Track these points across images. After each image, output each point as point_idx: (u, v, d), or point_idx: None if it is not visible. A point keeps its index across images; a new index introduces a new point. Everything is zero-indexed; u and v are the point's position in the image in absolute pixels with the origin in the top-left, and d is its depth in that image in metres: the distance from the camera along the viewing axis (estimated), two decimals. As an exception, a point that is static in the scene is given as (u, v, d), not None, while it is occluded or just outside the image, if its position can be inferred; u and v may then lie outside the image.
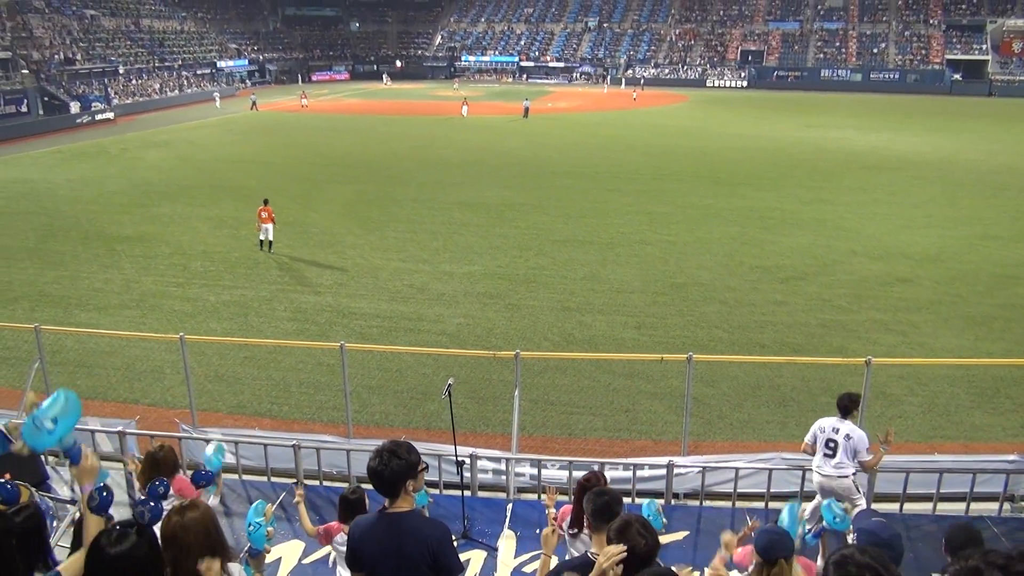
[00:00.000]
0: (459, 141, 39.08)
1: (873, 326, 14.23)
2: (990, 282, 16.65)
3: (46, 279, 17.09)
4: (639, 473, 7.90)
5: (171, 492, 5.18)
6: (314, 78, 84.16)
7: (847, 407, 6.74)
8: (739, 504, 7.73)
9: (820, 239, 20.02)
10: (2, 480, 4.78)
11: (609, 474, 6.72)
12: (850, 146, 36.42)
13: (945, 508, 7.57)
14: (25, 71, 49.09)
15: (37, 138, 41.35)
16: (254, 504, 4.85)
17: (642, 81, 74.31)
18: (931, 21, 75.89)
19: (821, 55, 76.08)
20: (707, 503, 7.90)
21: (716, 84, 75.75)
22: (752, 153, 34.61)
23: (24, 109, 46.05)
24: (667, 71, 79.39)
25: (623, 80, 76.25)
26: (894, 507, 7.52)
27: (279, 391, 11.96)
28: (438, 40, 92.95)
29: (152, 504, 3.51)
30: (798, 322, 14.43)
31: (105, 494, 3.36)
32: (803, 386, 11.43)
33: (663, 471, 7.70)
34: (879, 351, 12.20)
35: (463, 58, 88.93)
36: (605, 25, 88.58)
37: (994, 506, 7.62)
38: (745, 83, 74.88)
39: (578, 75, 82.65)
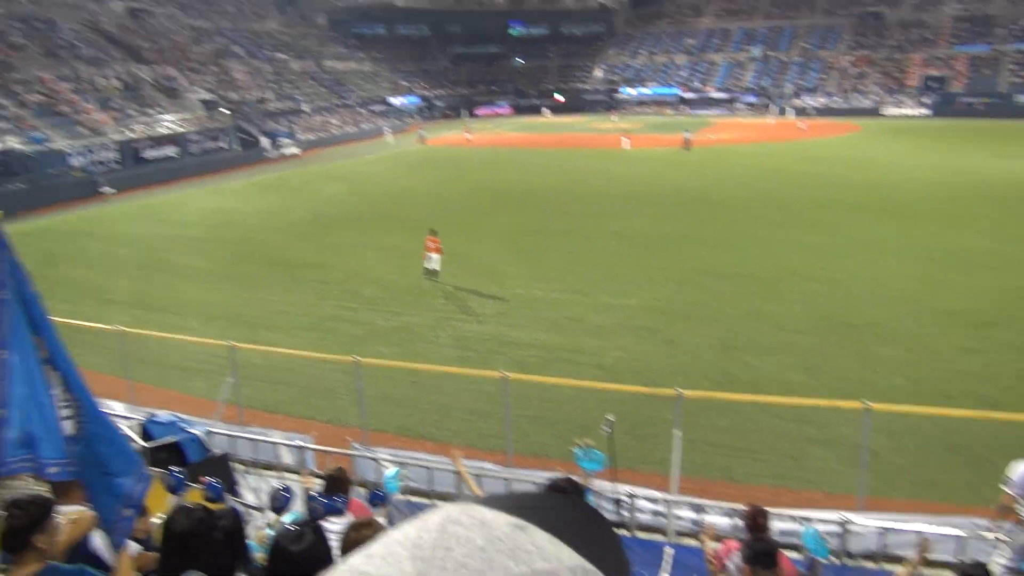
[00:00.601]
0: (618, 173, 39.16)
1: (1082, 380, 12.74)
2: None
3: (239, 300, 18.80)
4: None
5: (347, 510, 5.56)
6: (478, 112, 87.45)
7: None
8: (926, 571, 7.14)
9: (1018, 280, 18.21)
10: (209, 480, 5.28)
11: (777, 525, 6.45)
12: (1052, 178, 32.98)
13: None
14: (225, 110, 54.54)
15: (234, 171, 45.77)
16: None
17: (811, 111, 71.28)
18: None
19: (1016, 79, 69.63)
20: (885, 565, 7.36)
21: (893, 113, 71.16)
22: (934, 186, 32.14)
23: (223, 145, 51.09)
24: (838, 100, 75.62)
25: (790, 110, 73.47)
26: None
27: (441, 415, 12.41)
28: (598, 73, 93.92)
29: (324, 501, 3.77)
30: (992, 373, 13.17)
31: (287, 495, 3.69)
32: (999, 444, 10.39)
33: (835, 527, 7.27)
34: (1090, 409, 10.89)
35: (622, 90, 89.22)
36: (771, 54, 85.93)
37: None
38: (926, 111, 69.83)
39: (742, 105, 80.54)
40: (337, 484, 5.97)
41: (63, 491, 3.97)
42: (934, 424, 10.95)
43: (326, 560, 3.29)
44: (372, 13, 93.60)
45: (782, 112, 73.33)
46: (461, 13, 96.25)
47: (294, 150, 54.18)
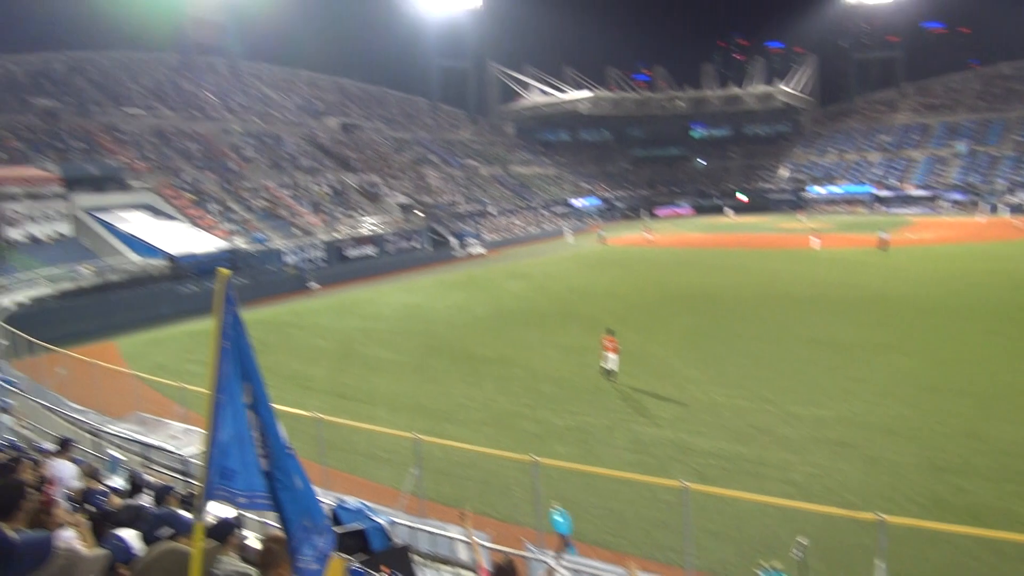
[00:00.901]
0: (806, 275, 37.41)
1: None
2: None
3: (424, 392, 19.63)
4: None
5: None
6: (658, 213, 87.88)
7: None
8: None
9: None
10: (392, 572, 5.37)
11: None
12: None
13: None
14: (419, 213, 58.73)
15: (424, 268, 48.80)
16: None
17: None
18: None
19: None
20: None
21: None
22: None
23: (416, 244, 54.79)
24: (1063, 195, 68.38)
25: (1004, 207, 67.32)
26: None
27: (616, 522, 12.02)
28: (783, 172, 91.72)
29: None
30: None
31: None
32: None
33: None
34: None
35: (810, 189, 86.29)
36: (978, 148, 79.92)
37: None
38: None
39: (946, 203, 74.90)
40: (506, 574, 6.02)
41: (268, 564, 4.24)
42: None
43: None
44: (557, 121, 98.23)
45: (994, 210, 67.38)
46: (642, 118, 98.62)
47: (480, 249, 56.97)
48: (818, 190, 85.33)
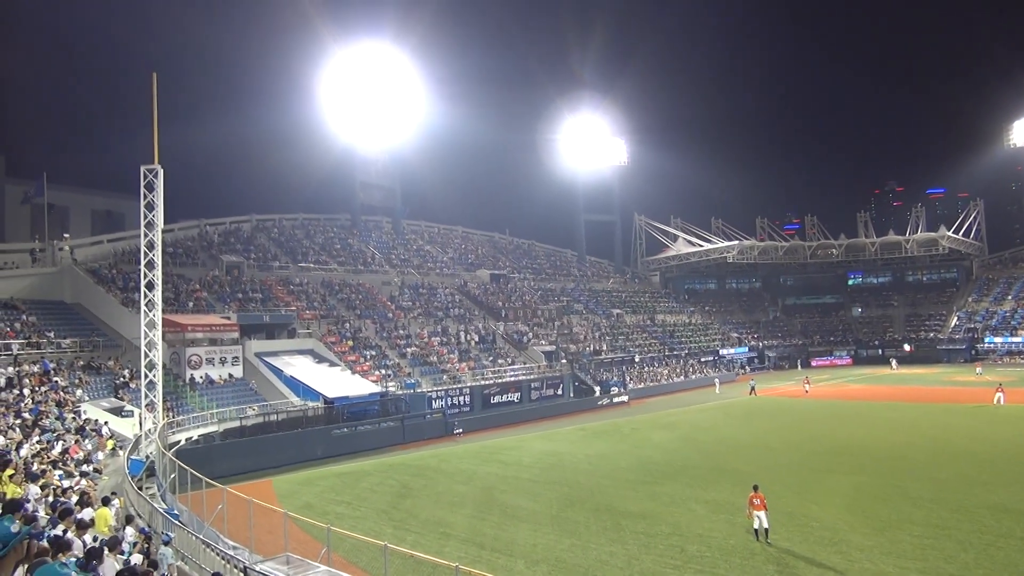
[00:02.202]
0: (987, 433, 33.75)
1: None
2: None
3: (563, 545, 18.91)
4: None
5: None
6: (814, 363, 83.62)
7: None
8: None
9: None
10: None
11: None
12: None
13: None
14: (564, 360, 59.03)
15: (568, 417, 48.36)
16: None
17: None
18: None
19: None
20: None
21: None
22: None
23: (560, 392, 54.69)
24: None
25: None
26: None
27: None
28: (954, 321, 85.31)
29: None
30: None
31: None
32: None
33: None
34: None
35: (986, 339, 79.42)
36: None
37: None
38: None
39: None
40: None
41: None
42: None
43: None
44: (703, 270, 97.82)
45: None
46: (794, 266, 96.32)
47: (623, 398, 55.97)
48: (995, 340, 78.39)
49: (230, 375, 40.63)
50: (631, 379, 62.62)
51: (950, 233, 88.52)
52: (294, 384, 40.61)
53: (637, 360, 68.33)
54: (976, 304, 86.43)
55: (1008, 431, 33.97)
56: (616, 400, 55.49)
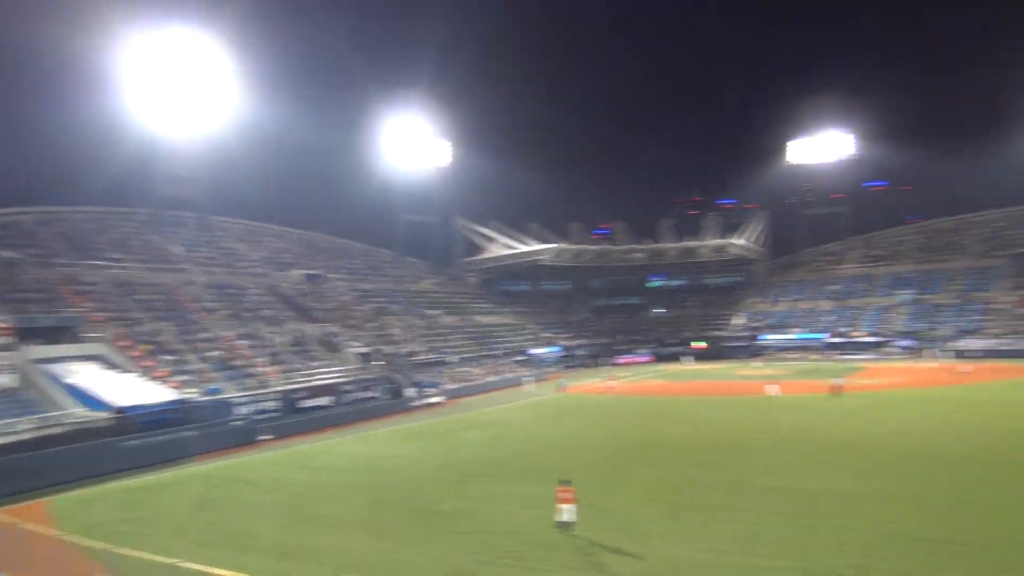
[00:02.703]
0: (764, 422, 37.43)
1: None
2: None
3: (373, 549, 18.53)
4: None
5: None
6: (618, 361, 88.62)
7: None
8: None
9: None
10: None
11: None
12: None
13: None
14: (379, 362, 58.24)
15: (382, 419, 47.66)
16: None
17: (974, 354, 66.82)
18: None
19: None
20: None
21: (1073, 354, 65.33)
22: None
23: (374, 394, 53.85)
24: (1004, 342, 70.71)
25: (949, 353, 69.40)
26: None
27: None
28: (739, 320, 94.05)
29: None
30: None
31: None
32: None
33: None
34: None
35: (765, 337, 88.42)
36: (922, 297, 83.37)
37: None
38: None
39: (895, 349, 77.02)
40: None
41: None
42: None
43: None
44: (519, 272, 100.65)
45: (939, 355, 69.40)
46: (602, 269, 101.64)
47: (438, 399, 56.18)
48: (773, 337, 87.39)
49: (3, 386, 36.10)
50: (447, 380, 63.00)
51: (737, 240, 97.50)
52: (78, 393, 36.80)
53: (453, 360, 68.91)
54: (758, 304, 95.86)
55: (780, 420, 37.85)
56: (431, 401, 55.54)
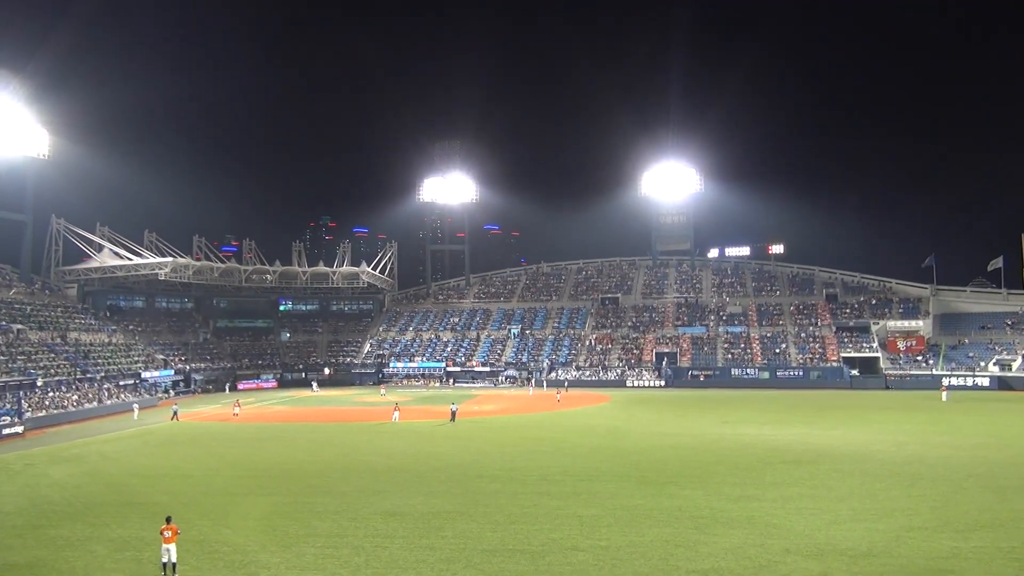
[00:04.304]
0: (384, 447, 38.67)
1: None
2: (925, 578, 16.44)
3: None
4: None
5: None
6: (241, 387, 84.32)
7: None
8: None
9: (752, 538, 19.75)
10: None
11: None
12: (768, 441, 37.66)
13: None
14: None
15: (-68, 456, 38.83)
16: None
17: (566, 383, 77.32)
18: (821, 323, 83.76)
19: (729, 355, 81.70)
20: None
21: (635, 384, 79.30)
22: (675, 450, 35.30)
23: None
24: (588, 373, 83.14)
25: (546, 383, 79.26)
26: None
27: None
28: (367, 348, 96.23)
29: None
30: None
31: None
32: None
33: None
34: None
35: (391, 364, 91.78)
36: (528, 332, 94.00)
37: None
38: (662, 383, 78.63)
39: (503, 379, 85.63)
40: None
41: None
42: None
43: None
44: (130, 286, 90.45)
45: (540, 384, 78.79)
46: (228, 289, 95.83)
47: (17, 429, 47.70)
48: (398, 365, 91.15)
49: None
50: (30, 407, 53.77)
51: (368, 269, 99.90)
52: None
53: (40, 384, 59.08)
54: (385, 333, 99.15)
55: (397, 444, 39.45)
56: (6, 432, 46.86)
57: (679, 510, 23.09)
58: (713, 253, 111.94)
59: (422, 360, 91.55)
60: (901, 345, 77.47)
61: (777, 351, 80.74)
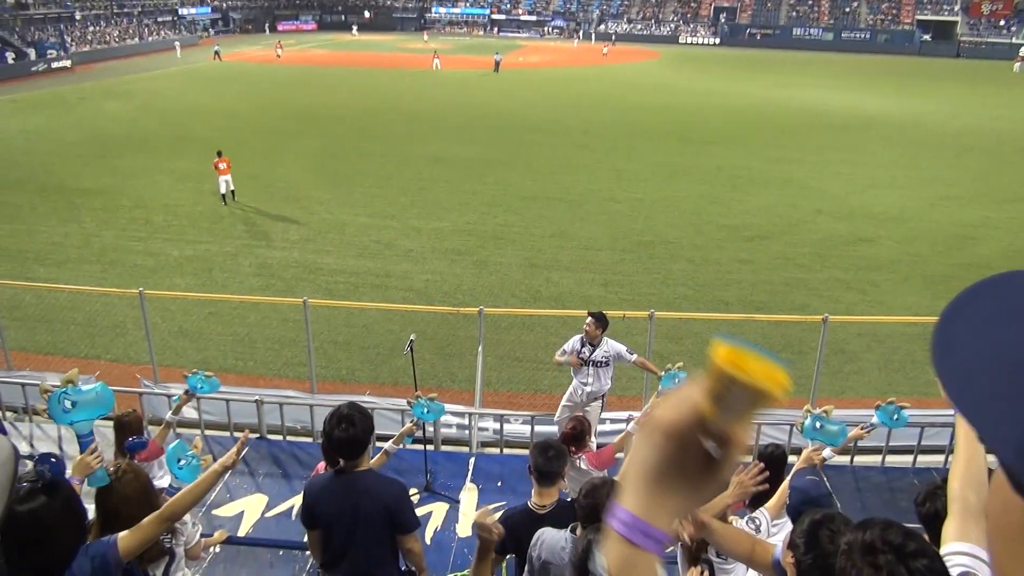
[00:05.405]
0: (429, 95, 38.49)
1: (835, 284, 14.47)
2: (950, 242, 16.96)
3: (2, 232, 16.67)
4: (600, 428, 8.06)
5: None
6: (280, 28, 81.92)
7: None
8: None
9: (786, 198, 20.19)
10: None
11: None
12: (820, 106, 36.53)
13: (894, 460, 7.84)
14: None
15: (-10, 86, 39.93)
16: (173, 445, 4.44)
17: (614, 36, 73.49)
18: (903, -20, 76.04)
19: (794, 13, 75.72)
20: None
21: (688, 41, 75.14)
22: (722, 111, 34.58)
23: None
24: (640, 27, 78.54)
25: (595, 35, 75.48)
26: (845, 460, 7.75)
27: (244, 347, 11.87)
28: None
29: (53, 462, 3.39)
30: (762, 280, 14.62)
31: (55, 461, 3.24)
32: (765, 342, 11.59)
33: (623, 425, 7.85)
34: (840, 309, 12.44)
35: (434, 10, 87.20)
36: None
37: (940, 458, 7.88)
38: (717, 40, 74.37)
39: (550, 29, 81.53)
40: (124, 429, 5.66)
41: None
42: (711, 327, 11.95)
43: (63, 522, 3.01)
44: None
45: (588, 37, 75.20)
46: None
47: (64, 63, 48.07)
48: (440, 10, 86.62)
49: None
50: (73, 41, 53.52)
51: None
52: None
53: (78, 18, 58.07)
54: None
55: (442, 92, 39.20)
56: (56, 65, 47.34)
57: (717, 169, 23.35)
58: None
59: (465, 6, 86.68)
60: (985, 8, 70.76)
61: (847, 10, 74.48)
